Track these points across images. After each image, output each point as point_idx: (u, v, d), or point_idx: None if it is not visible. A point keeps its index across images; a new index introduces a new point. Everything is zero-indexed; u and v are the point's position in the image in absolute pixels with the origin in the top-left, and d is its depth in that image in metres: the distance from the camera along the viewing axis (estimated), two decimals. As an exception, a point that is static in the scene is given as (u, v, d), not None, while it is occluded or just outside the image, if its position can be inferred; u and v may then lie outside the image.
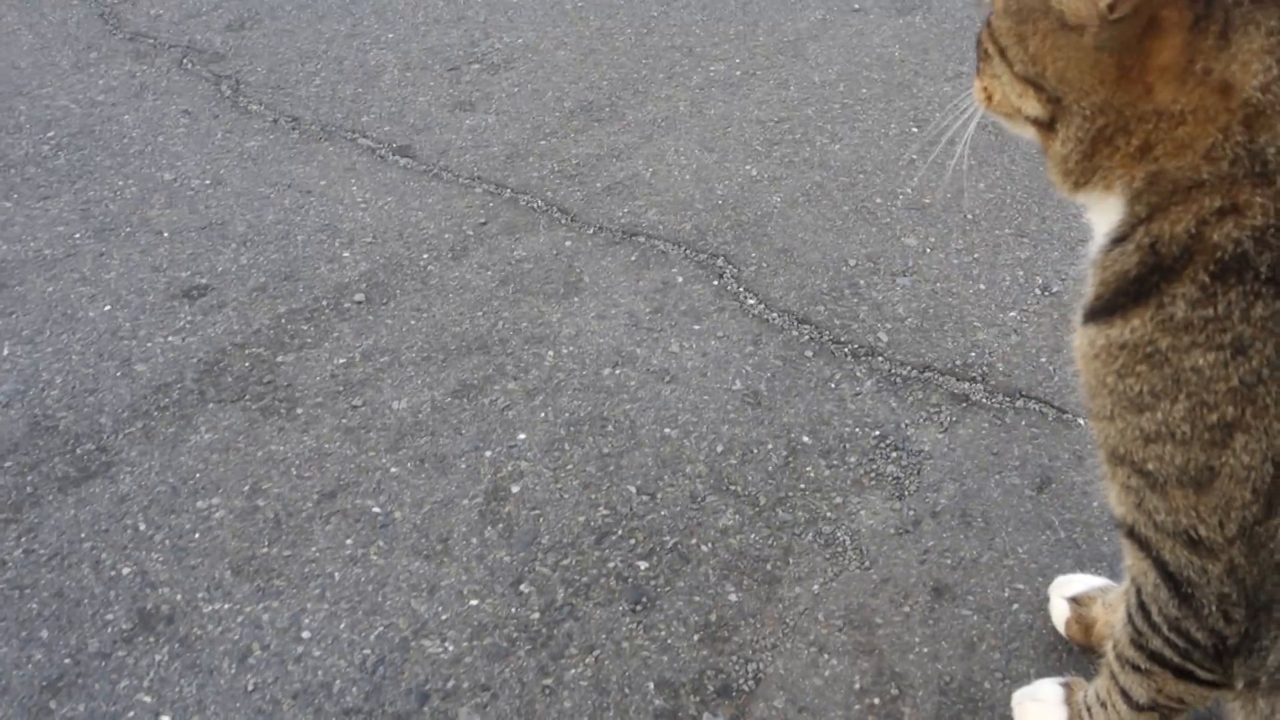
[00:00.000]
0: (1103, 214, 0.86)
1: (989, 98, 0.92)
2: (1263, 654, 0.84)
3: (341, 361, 1.82)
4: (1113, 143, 0.80)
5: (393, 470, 1.62)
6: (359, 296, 1.96)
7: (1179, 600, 0.88)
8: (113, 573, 1.47)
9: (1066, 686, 1.20)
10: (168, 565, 1.47)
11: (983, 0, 0.91)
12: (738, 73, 2.66)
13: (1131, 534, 0.91)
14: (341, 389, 1.76)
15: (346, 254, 2.07)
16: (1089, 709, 1.12)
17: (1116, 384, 0.83)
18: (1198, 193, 0.76)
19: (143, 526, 1.53)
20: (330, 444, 1.66)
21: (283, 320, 1.91)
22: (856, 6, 2.94)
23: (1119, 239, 0.83)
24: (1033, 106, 0.85)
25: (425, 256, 2.06)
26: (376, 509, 1.56)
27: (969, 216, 2.14)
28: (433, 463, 1.63)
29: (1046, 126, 0.85)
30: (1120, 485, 0.89)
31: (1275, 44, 0.72)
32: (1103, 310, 0.84)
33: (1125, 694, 1.03)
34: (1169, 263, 0.78)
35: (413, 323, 1.90)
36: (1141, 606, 0.94)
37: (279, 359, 1.83)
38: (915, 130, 2.41)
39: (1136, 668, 0.99)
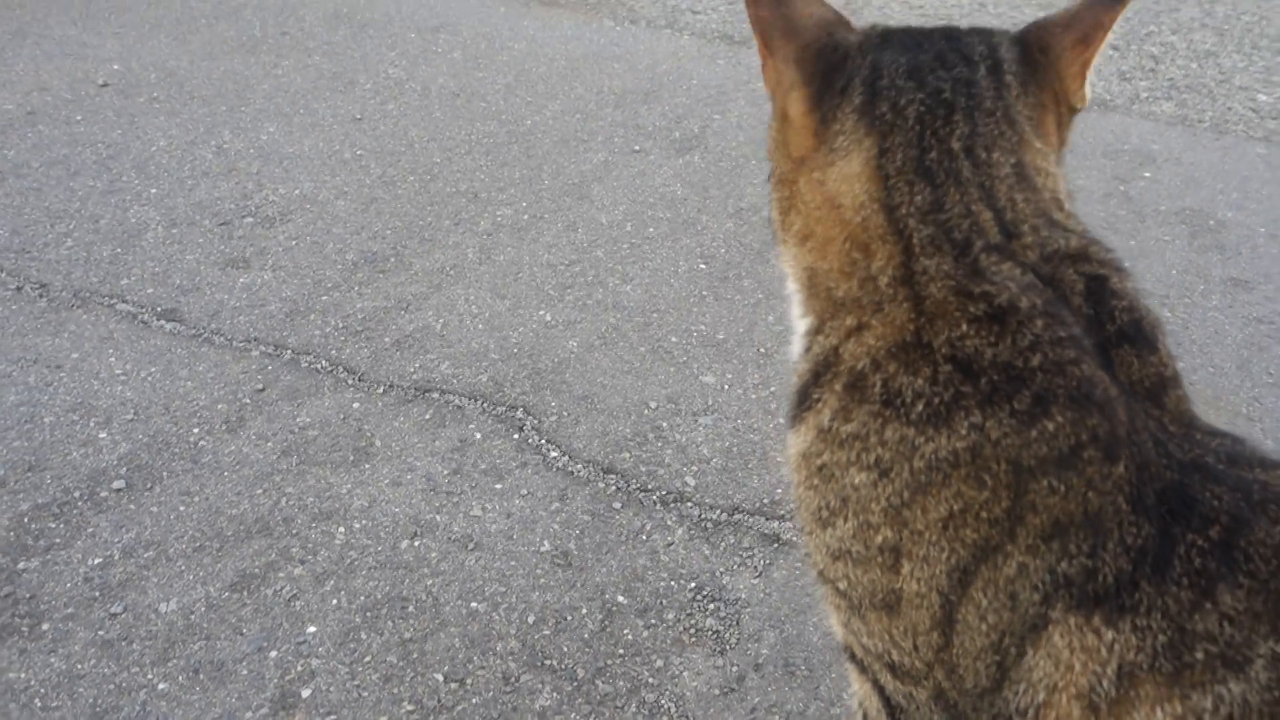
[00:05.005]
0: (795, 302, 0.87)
1: None
2: None
3: (97, 562, 1.60)
4: (788, 216, 0.82)
5: (160, 687, 1.42)
6: (118, 483, 1.76)
7: None
8: None
9: None
10: None
11: None
12: (525, 216, 2.65)
13: (851, 656, 0.88)
14: (98, 595, 1.55)
15: (103, 435, 1.86)
16: None
17: (804, 496, 0.81)
18: (843, 311, 0.77)
19: None
20: (84, 664, 1.44)
21: (25, 519, 1.67)
22: (637, 148, 3.01)
23: (806, 348, 0.83)
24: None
25: (196, 431, 1.89)
26: (141, 736, 1.35)
27: (761, 350, 2.17)
28: (208, 672, 1.44)
29: None
30: (831, 605, 0.86)
31: (871, 171, 0.74)
32: (791, 414, 0.83)
33: None
34: (820, 369, 0.79)
35: (182, 508, 1.71)
36: None
37: (20, 566, 1.59)
38: (703, 267, 2.46)
39: None
